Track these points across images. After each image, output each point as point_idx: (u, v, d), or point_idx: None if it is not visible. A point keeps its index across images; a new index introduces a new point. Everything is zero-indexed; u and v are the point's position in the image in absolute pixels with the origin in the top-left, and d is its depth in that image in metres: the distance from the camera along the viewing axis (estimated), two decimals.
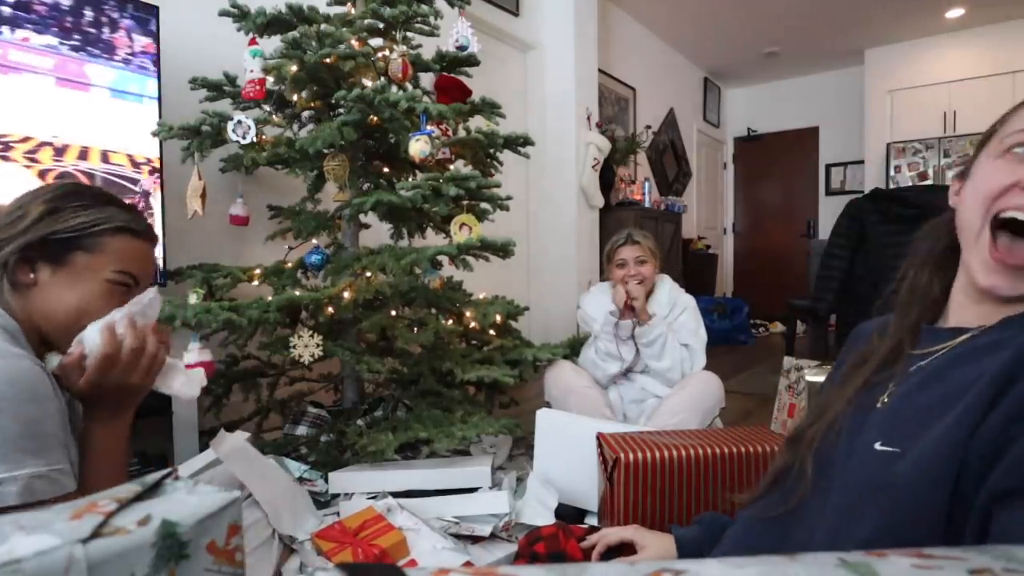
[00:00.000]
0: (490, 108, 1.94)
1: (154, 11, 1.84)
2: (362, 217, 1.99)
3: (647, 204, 4.68)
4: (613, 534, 0.91)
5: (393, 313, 1.91)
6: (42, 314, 0.85)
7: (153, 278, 0.91)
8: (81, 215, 0.85)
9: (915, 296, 0.68)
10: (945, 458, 0.50)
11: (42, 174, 1.64)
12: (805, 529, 0.61)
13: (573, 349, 2.10)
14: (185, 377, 0.94)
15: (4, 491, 0.68)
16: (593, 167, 4.00)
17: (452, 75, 2.00)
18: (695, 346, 2.01)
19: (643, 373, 2.03)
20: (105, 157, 1.75)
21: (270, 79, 1.82)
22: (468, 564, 1.23)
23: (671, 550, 0.85)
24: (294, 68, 1.77)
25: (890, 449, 0.55)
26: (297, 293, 1.72)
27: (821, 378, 2.02)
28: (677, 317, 2.05)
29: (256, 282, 1.90)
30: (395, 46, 1.83)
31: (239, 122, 1.74)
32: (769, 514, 0.67)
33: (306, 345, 1.66)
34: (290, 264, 1.96)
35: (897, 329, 0.67)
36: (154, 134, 1.84)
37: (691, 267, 5.33)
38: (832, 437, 0.63)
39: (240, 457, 1.33)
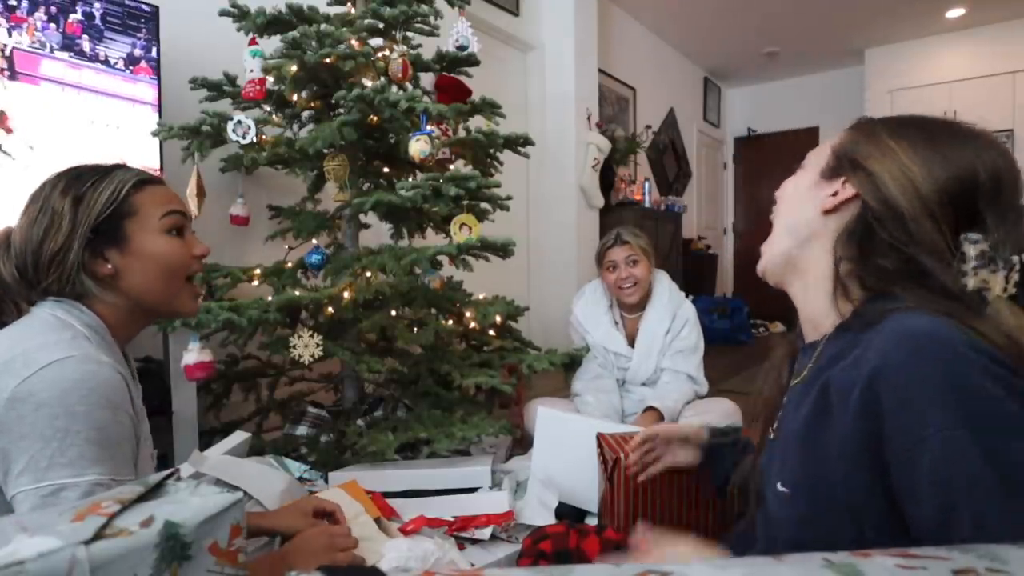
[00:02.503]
0: (490, 108, 1.94)
1: (154, 11, 1.84)
2: (362, 217, 1.99)
3: (647, 204, 4.68)
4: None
5: (393, 313, 1.91)
6: (139, 292, 0.84)
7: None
8: (103, 189, 0.83)
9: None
10: (824, 498, 0.54)
11: None
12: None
13: (573, 360, 2.05)
14: None
15: (66, 495, 0.67)
16: (593, 167, 4.00)
17: (452, 75, 1.99)
18: (695, 374, 1.98)
19: (643, 385, 2.02)
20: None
21: (270, 79, 1.82)
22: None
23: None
24: (294, 68, 1.77)
25: (785, 490, 0.59)
26: (297, 293, 1.73)
27: None
28: (679, 332, 2.00)
29: (256, 282, 1.90)
30: (395, 46, 1.83)
31: (239, 122, 1.74)
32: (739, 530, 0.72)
33: (306, 345, 1.66)
34: (290, 264, 1.96)
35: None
36: (154, 134, 1.83)
37: (691, 267, 5.33)
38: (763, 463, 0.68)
39: (226, 466, 1.33)
